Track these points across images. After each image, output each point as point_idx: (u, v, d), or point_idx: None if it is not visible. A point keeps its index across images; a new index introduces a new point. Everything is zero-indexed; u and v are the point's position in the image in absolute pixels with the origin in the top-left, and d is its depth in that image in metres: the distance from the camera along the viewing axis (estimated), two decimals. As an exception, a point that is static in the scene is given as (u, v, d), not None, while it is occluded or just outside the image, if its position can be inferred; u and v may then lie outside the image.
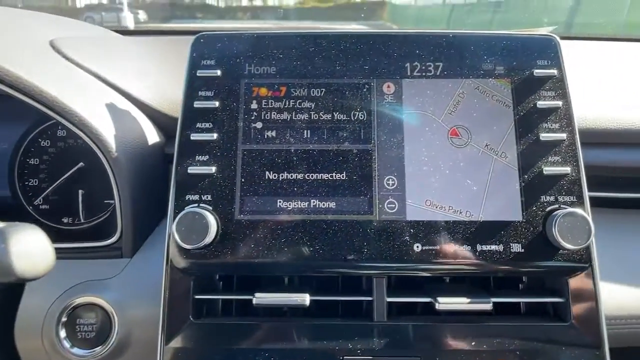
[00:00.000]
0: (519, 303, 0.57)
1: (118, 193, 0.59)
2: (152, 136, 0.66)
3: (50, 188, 0.73)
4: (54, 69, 0.60)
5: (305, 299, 0.52)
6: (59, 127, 0.74)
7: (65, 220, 0.74)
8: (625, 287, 0.62)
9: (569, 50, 0.79)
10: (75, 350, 0.56)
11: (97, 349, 0.56)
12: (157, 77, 0.72)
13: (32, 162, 0.75)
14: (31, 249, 0.38)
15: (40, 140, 0.75)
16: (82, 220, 0.73)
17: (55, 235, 0.65)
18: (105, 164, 0.58)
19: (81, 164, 0.73)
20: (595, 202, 0.66)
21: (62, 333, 0.56)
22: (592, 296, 0.53)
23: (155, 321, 0.55)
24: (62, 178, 0.73)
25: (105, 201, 0.72)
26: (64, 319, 0.56)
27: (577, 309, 0.53)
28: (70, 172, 0.72)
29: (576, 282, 0.53)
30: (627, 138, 0.68)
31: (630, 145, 0.68)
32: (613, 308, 0.60)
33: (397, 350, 0.51)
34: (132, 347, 0.57)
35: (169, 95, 0.67)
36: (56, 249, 0.61)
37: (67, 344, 0.56)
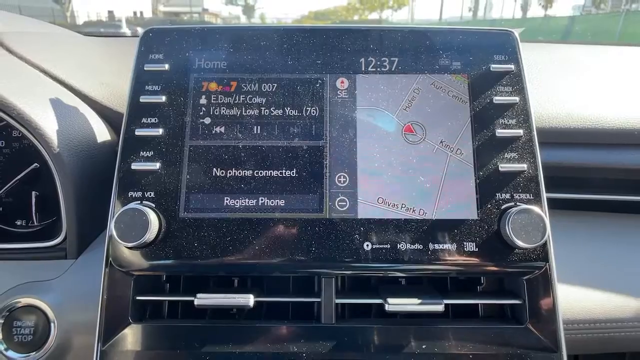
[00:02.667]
0: (478, 306, 0.55)
1: (61, 191, 0.57)
2: (103, 134, 0.64)
3: (3, 190, 0.71)
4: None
5: (249, 300, 0.50)
6: (13, 127, 0.72)
7: (18, 222, 0.71)
8: (584, 291, 0.60)
9: (534, 52, 0.79)
10: (10, 353, 0.53)
11: (33, 353, 0.54)
12: (110, 75, 0.70)
13: (-15, 163, 0.72)
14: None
15: (-6, 140, 0.73)
16: (36, 223, 0.70)
17: (4, 236, 0.63)
18: (48, 160, 0.56)
19: (35, 164, 0.71)
20: (555, 204, 0.65)
21: (-3, 334, 0.53)
22: (550, 298, 0.51)
23: (89, 326, 0.53)
24: (15, 179, 0.70)
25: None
26: (0, 320, 0.54)
27: (533, 310, 0.51)
28: (24, 172, 0.70)
29: (533, 283, 0.51)
30: (587, 138, 0.67)
31: (589, 145, 0.67)
32: (571, 312, 0.58)
33: (345, 354, 0.49)
34: (72, 353, 0.55)
35: (120, 92, 0.66)
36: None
37: (2, 347, 0.53)
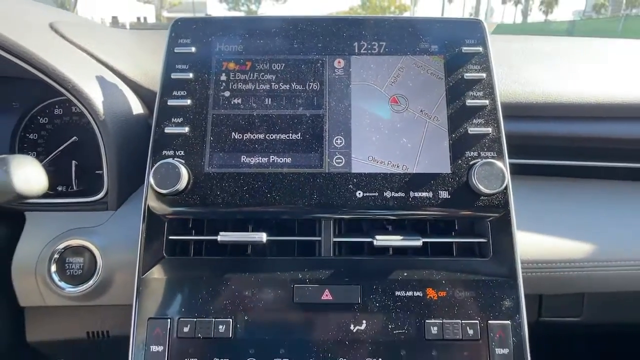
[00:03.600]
0: (452, 246, 0.65)
1: (105, 152, 0.68)
2: (137, 107, 0.76)
3: (47, 159, 0.82)
4: (53, 45, 0.70)
5: (263, 237, 0.61)
6: (56, 106, 0.83)
7: (59, 188, 0.83)
8: (543, 237, 0.71)
9: (507, 43, 0.90)
10: (64, 284, 0.64)
11: (82, 285, 0.65)
12: (141, 58, 0.82)
13: (31, 137, 0.84)
14: (28, 173, 0.47)
15: (39, 117, 0.84)
16: (75, 189, 0.82)
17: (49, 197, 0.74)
18: (94, 126, 0.68)
19: (74, 138, 0.82)
20: (520, 170, 0.76)
21: (53, 269, 0.64)
22: (510, 236, 0.61)
23: (134, 264, 0.64)
24: (57, 150, 0.82)
25: (96, 172, 0.81)
26: (55, 256, 0.65)
27: (496, 247, 0.61)
28: (65, 145, 0.82)
29: (496, 225, 0.62)
30: (547, 112, 0.78)
31: (549, 118, 0.78)
32: (532, 254, 0.69)
33: (341, 280, 0.60)
34: (113, 286, 0.66)
35: (151, 73, 0.77)
36: (50, 203, 0.71)
37: (56, 278, 0.64)
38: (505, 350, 0.57)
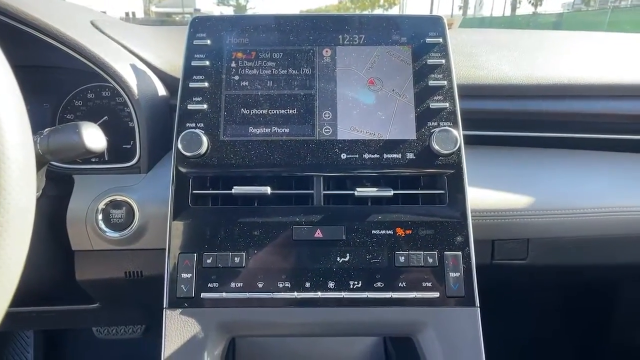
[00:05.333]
0: (419, 197, 0.81)
1: (137, 125, 0.84)
2: (161, 90, 0.91)
3: None
4: (96, 38, 0.85)
5: (268, 190, 0.77)
6: (89, 91, 0.98)
7: (93, 160, 0.98)
8: (492, 191, 0.88)
9: (470, 35, 1.07)
10: (108, 231, 0.80)
11: (124, 231, 0.81)
12: (162, 49, 0.97)
13: (69, 117, 0.99)
14: (94, 133, 0.62)
15: (74, 101, 0.99)
16: (106, 159, 0.97)
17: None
18: (129, 104, 0.83)
19: (105, 117, 0.98)
20: (476, 140, 0.93)
21: (100, 217, 0.80)
22: (462, 188, 0.78)
23: (164, 215, 0.80)
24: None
25: (124, 146, 0.97)
26: (102, 207, 0.81)
27: (451, 196, 0.78)
28: (98, 122, 0.97)
29: (451, 179, 0.79)
30: (499, 92, 0.95)
31: (501, 97, 0.95)
32: (482, 204, 0.86)
33: (329, 223, 0.76)
34: (147, 233, 0.82)
35: (172, 61, 0.93)
36: (93, 169, 0.87)
37: (102, 226, 0.80)
38: (457, 274, 0.74)
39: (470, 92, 0.92)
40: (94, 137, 0.62)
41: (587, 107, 0.96)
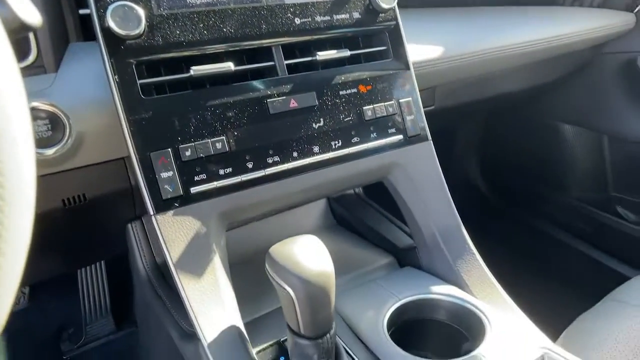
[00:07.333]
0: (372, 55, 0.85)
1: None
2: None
3: None
4: None
5: (231, 66, 0.70)
6: None
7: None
8: (426, 45, 0.99)
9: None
10: (39, 150, 0.62)
11: (57, 146, 0.64)
12: None
13: None
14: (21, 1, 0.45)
15: None
16: None
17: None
18: None
19: None
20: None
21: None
22: (401, 42, 0.85)
23: (103, 119, 0.66)
24: None
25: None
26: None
27: (394, 51, 0.85)
28: None
29: (392, 35, 0.85)
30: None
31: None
32: (420, 56, 0.96)
33: (301, 91, 0.75)
34: (87, 143, 0.67)
35: None
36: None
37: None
38: (412, 117, 0.85)
39: None
40: (24, 5, 0.45)
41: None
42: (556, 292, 1.58)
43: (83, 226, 0.87)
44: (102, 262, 1.40)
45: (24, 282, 1.23)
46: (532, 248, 1.80)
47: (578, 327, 0.93)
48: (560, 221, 1.73)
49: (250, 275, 0.87)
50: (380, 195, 1.04)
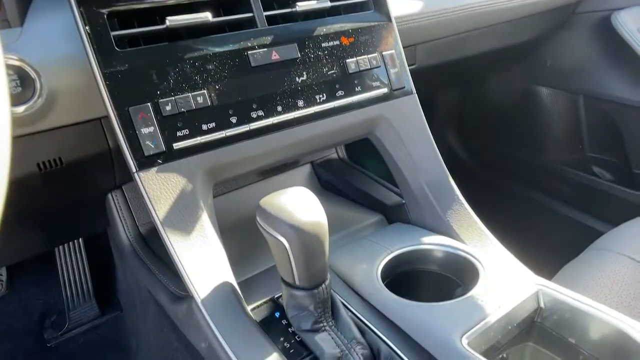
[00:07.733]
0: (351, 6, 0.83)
1: None
2: None
3: None
4: None
5: (209, 16, 0.67)
6: None
7: None
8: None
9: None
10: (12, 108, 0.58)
11: (27, 104, 0.60)
12: None
13: None
14: None
15: None
16: None
17: None
18: None
19: None
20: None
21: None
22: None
23: (75, 73, 0.63)
24: None
25: None
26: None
27: (376, 2, 0.84)
28: None
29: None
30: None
31: None
32: (401, 9, 0.94)
33: (282, 42, 0.73)
34: (61, 100, 0.63)
35: None
36: None
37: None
38: (396, 70, 0.84)
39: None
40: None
41: None
42: (537, 249, 1.62)
43: (61, 196, 0.83)
44: (82, 244, 1.36)
45: (1, 263, 1.18)
46: (511, 210, 1.84)
47: (565, 273, 0.95)
48: (539, 183, 1.76)
49: (238, 239, 0.85)
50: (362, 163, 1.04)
